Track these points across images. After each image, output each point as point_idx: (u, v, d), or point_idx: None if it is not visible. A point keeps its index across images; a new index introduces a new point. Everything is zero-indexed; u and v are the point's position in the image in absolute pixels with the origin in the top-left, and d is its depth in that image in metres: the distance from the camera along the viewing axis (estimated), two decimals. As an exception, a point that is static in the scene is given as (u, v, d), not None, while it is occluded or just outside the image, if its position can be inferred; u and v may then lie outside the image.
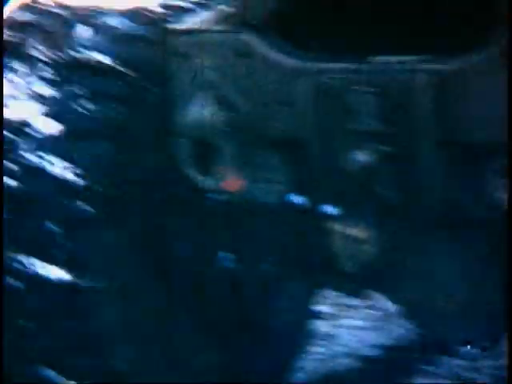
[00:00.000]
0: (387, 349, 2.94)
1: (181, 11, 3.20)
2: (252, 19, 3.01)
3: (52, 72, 3.04)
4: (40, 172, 2.87)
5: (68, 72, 2.98)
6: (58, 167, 2.86)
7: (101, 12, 3.17)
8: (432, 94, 2.88)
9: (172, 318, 2.86)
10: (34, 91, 3.05)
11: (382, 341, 2.94)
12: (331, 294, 2.99)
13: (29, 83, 3.05)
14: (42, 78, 3.05)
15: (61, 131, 2.92)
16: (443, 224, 2.94)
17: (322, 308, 3.00)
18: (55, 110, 2.94)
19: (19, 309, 2.81)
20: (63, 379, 2.64)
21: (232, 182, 3.10)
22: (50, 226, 2.85)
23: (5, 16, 3.31)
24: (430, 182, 2.96)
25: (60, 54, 3.04)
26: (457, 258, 2.92)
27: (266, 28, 3.00)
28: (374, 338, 2.95)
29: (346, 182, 2.98)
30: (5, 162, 2.96)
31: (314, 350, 2.96)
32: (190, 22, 3.13)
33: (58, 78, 3.01)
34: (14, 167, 2.92)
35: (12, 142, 2.96)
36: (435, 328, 2.95)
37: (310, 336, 2.97)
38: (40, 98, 3.02)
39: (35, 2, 3.39)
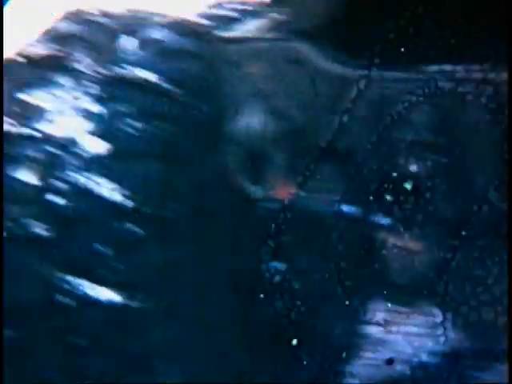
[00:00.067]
0: (440, 355, 2.90)
1: (228, 20, 3.13)
2: (304, 27, 2.97)
3: (97, 87, 3.00)
4: (87, 192, 2.85)
5: (113, 88, 2.95)
6: (105, 187, 2.84)
7: (144, 24, 3.11)
8: (484, 103, 2.82)
9: (224, 332, 2.85)
10: (80, 107, 3.02)
11: (435, 348, 2.89)
12: (384, 304, 2.94)
13: (75, 98, 3.01)
14: (88, 94, 3.01)
15: (108, 150, 2.88)
16: (497, 234, 2.87)
17: (376, 316, 2.95)
18: (101, 128, 2.90)
19: (70, 328, 2.83)
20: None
21: (283, 192, 3.07)
22: (99, 246, 2.85)
23: (48, 27, 3.27)
24: (483, 192, 2.87)
25: (105, 69, 3.00)
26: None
27: (318, 36, 2.98)
28: (427, 344, 2.90)
29: (399, 192, 2.94)
30: (51, 179, 2.95)
31: (367, 355, 2.94)
32: (240, 30, 3.07)
33: (104, 95, 2.97)
34: (61, 185, 2.91)
35: (58, 159, 2.95)
36: (487, 335, 2.89)
37: (363, 342, 2.94)
38: (86, 115, 2.99)
39: (79, 12, 3.34)
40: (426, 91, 2.92)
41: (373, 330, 2.95)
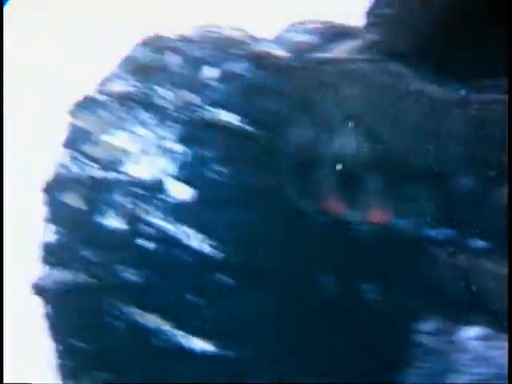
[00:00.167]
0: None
1: (320, 42, 3.01)
2: (399, 47, 2.88)
3: (180, 127, 2.91)
4: (174, 240, 2.81)
5: (196, 129, 2.85)
6: (193, 236, 2.78)
7: (225, 55, 2.98)
8: None
9: (326, 377, 2.82)
10: (164, 147, 2.94)
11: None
12: (475, 330, 2.87)
13: (159, 138, 2.93)
14: (172, 133, 2.93)
15: (193, 197, 2.81)
16: None
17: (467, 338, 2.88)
18: (186, 172, 2.83)
19: (165, 376, 2.84)
20: None
21: (377, 214, 2.98)
22: (189, 295, 2.81)
23: (126, 57, 3.18)
24: None
25: (187, 108, 2.90)
26: None
27: (414, 57, 2.87)
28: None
29: (493, 216, 2.82)
30: (139, 224, 2.91)
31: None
32: (334, 52, 2.97)
33: (187, 135, 2.88)
34: (149, 230, 2.87)
35: (145, 203, 2.90)
36: None
37: (452, 368, 2.87)
38: (171, 157, 2.91)
39: (158, 38, 3.22)
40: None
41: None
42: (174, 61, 3.09)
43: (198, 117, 2.87)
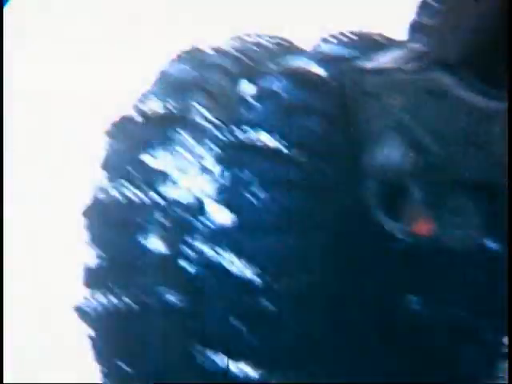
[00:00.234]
0: None
1: (365, 51, 2.92)
2: (444, 57, 2.79)
3: (219, 148, 2.85)
4: (216, 265, 2.77)
5: (235, 152, 2.79)
6: (234, 262, 2.74)
7: (263, 71, 2.90)
8: None
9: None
10: (203, 167, 2.89)
11: None
12: None
13: (197, 158, 2.88)
14: (210, 153, 2.87)
15: (233, 222, 2.76)
16: None
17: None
18: (225, 196, 2.78)
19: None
20: None
21: (422, 226, 2.91)
22: (232, 320, 2.78)
23: (160, 71, 3.10)
24: None
25: (226, 129, 2.83)
26: None
27: (459, 66, 2.77)
28: None
29: None
30: (181, 246, 2.87)
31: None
32: (379, 61, 2.89)
33: (225, 157, 2.83)
34: (191, 253, 2.84)
35: (186, 225, 2.86)
36: None
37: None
38: (210, 178, 2.86)
39: (194, 51, 3.15)
40: None
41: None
42: (210, 76, 3.02)
43: (236, 137, 2.80)
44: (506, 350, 2.88)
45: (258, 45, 3.11)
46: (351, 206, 2.84)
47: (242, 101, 2.88)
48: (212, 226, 2.79)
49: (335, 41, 2.98)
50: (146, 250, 2.87)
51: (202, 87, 2.98)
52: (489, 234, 2.93)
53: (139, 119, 2.98)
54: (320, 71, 2.83)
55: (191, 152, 2.92)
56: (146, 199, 2.90)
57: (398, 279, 2.98)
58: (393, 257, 2.97)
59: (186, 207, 2.88)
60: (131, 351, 2.89)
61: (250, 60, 2.98)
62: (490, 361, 2.97)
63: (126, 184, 2.94)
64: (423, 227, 2.93)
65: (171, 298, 2.85)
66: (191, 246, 2.84)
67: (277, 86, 2.83)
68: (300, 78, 2.82)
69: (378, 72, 2.87)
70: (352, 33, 3.00)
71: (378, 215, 2.92)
